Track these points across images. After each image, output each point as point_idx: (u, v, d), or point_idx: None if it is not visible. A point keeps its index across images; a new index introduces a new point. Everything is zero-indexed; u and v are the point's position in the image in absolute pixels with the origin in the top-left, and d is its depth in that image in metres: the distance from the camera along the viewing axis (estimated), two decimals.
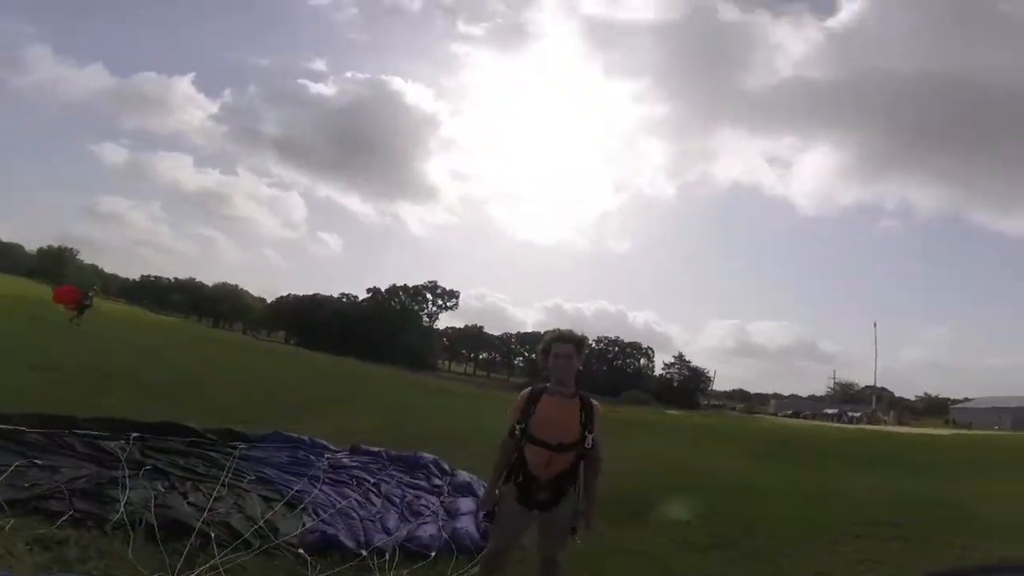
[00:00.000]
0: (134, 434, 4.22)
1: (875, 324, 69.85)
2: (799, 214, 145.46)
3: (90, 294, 17.94)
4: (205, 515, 2.96)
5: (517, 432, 2.74)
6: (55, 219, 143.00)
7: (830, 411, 60.36)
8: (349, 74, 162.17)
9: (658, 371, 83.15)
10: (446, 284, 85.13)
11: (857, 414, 54.42)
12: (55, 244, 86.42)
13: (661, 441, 14.73)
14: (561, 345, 2.84)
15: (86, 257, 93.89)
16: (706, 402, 75.41)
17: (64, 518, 2.62)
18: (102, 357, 10.84)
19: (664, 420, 26.95)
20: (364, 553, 2.97)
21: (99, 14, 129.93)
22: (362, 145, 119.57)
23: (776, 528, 5.45)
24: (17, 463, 3.15)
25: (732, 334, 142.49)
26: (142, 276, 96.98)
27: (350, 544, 3.06)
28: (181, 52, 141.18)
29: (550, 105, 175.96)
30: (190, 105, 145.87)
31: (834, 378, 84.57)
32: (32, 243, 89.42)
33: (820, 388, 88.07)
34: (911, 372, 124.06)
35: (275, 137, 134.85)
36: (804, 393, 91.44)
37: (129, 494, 2.99)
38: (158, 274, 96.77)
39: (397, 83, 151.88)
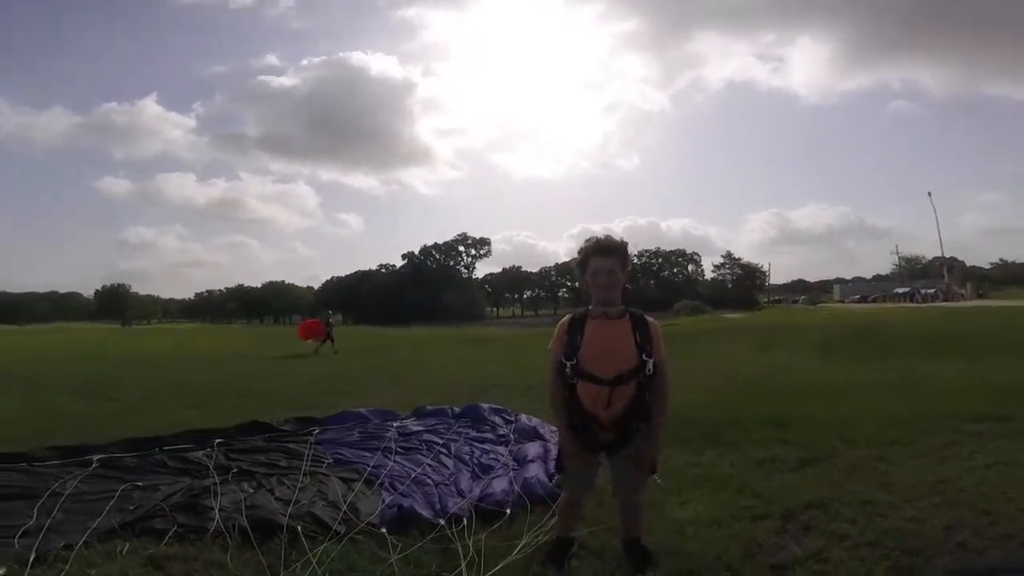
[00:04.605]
0: (217, 440, 4.51)
1: (929, 193, 63.63)
2: (803, 103, 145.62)
3: (329, 320, 18.86)
4: (291, 509, 3.13)
5: (568, 369, 2.38)
6: (96, 260, 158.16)
7: (901, 290, 56.75)
8: (305, 61, 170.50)
9: (708, 275, 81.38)
10: (473, 234, 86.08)
11: (931, 290, 50.46)
12: (108, 284, 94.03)
13: (724, 349, 14.45)
14: (599, 260, 2.40)
15: (139, 289, 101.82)
16: (765, 299, 73.24)
17: (170, 534, 2.85)
18: (178, 375, 11.53)
19: (723, 325, 26.47)
20: (442, 523, 3.04)
21: (28, 56, 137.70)
22: (345, 124, 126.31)
23: (872, 433, 4.82)
24: (122, 487, 3.44)
25: (773, 224, 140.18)
26: (196, 294, 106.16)
27: (427, 514, 3.14)
28: (132, 77, 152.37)
29: (518, 45, 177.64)
30: (165, 124, 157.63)
31: (897, 253, 79.41)
32: (88, 288, 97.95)
33: (884, 266, 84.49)
34: (977, 240, 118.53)
35: (259, 136, 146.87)
36: (868, 274, 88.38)
37: (221, 500, 3.21)
38: (209, 288, 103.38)
39: (357, 58, 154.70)
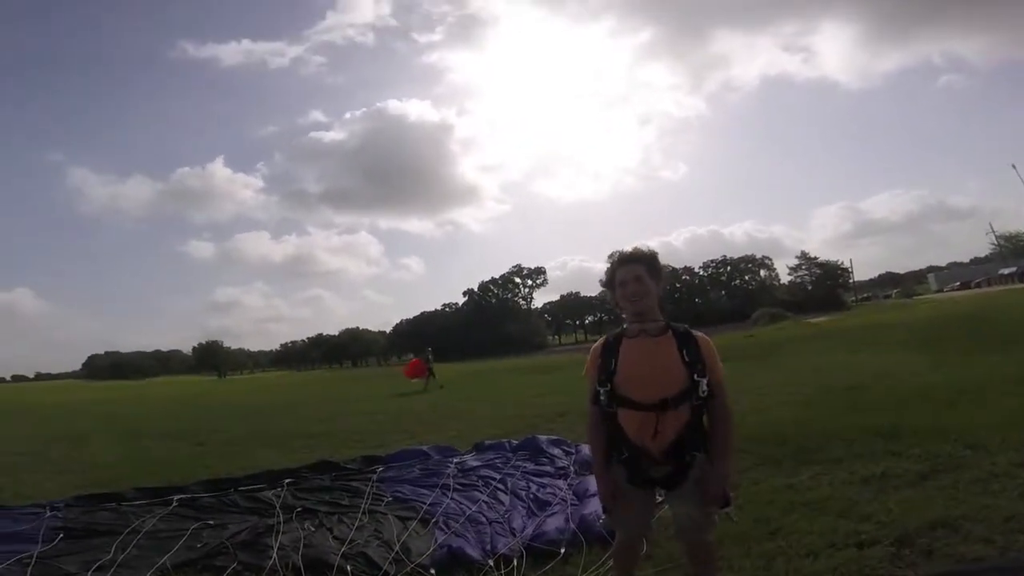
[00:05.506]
0: (287, 480, 4.64)
1: (1014, 166, 57.03)
2: (845, 89, 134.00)
3: (429, 358, 19.94)
4: (344, 548, 3.11)
5: (603, 397, 2.15)
6: (191, 320, 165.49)
7: (1006, 271, 50.40)
8: (348, 115, 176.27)
9: (784, 279, 75.50)
10: (527, 265, 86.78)
11: None
12: (203, 341, 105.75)
13: (813, 356, 13.22)
14: (626, 268, 2.19)
15: (231, 343, 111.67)
16: (853, 298, 66.94)
17: (227, 572, 2.91)
18: (261, 420, 12.14)
19: (809, 331, 24.38)
20: (490, 564, 2.90)
21: (106, 127, 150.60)
22: (394, 171, 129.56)
23: (1009, 436, 4.21)
24: (194, 526, 3.59)
25: (845, 216, 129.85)
26: (281, 345, 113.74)
27: (476, 555, 3.01)
28: (198, 141, 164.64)
29: (541, 73, 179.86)
30: (235, 185, 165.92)
31: (993, 231, 70.27)
32: (186, 345, 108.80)
33: (981, 248, 76.21)
34: None
35: (320, 191, 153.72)
36: (964, 258, 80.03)
37: (281, 539, 3.26)
38: (292, 339, 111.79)
39: (394, 106, 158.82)
